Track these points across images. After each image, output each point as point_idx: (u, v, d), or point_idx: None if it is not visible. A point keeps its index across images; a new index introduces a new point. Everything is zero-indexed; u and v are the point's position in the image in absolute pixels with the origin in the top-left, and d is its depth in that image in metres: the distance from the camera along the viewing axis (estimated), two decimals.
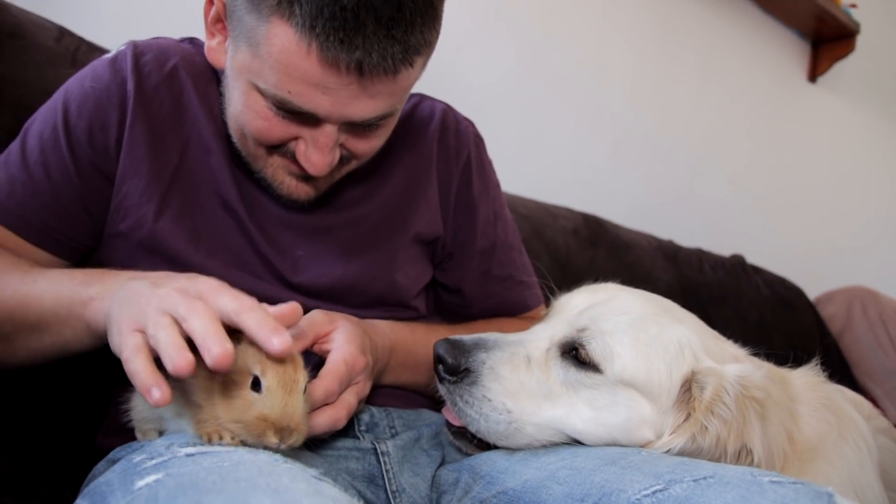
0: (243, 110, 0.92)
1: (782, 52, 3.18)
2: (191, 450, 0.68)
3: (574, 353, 0.90)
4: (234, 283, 0.94)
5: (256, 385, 0.71)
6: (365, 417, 1.00)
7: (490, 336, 0.94)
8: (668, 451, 0.83)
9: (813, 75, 3.26)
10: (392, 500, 0.90)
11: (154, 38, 1.06)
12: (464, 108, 2.18)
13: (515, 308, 1.28)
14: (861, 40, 3.17)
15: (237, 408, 0.70)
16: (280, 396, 0.71)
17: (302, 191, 0.99)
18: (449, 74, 2.17)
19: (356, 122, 0.90)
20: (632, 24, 2.63)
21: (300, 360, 0.75)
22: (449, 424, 0.95)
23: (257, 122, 0.91)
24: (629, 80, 2.63)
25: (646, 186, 2.67)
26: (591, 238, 2.14)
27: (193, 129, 1.02)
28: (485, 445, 0.92)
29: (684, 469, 0.71)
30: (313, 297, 1.04)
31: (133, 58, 1.01)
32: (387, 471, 0.92)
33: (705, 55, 2.87)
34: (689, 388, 0.87)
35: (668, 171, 2.75)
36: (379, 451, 0.94)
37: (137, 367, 0.66)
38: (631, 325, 0.89)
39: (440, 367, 0.92)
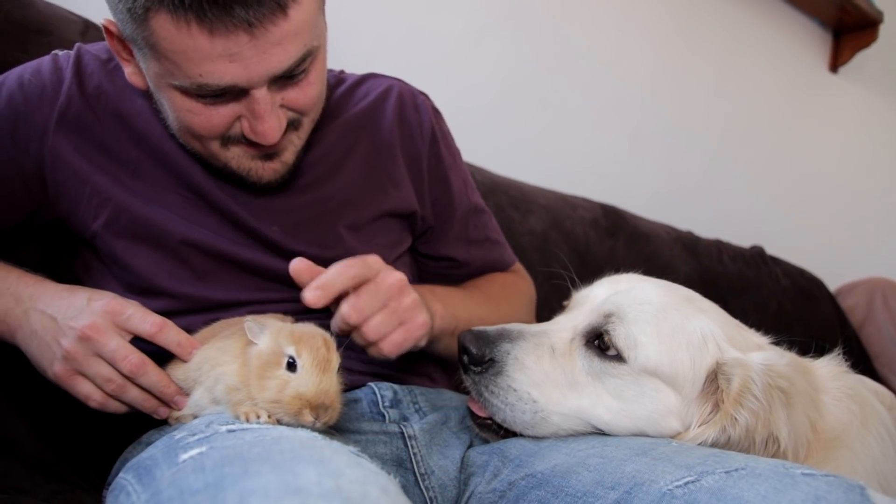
0: (178, 115, 0.93)
1: (803, 42, 3.14)
2: (231, 427, 0.71)
3: (597, 343, 0.91)
4: (234, 253, 1.02)
5: (291, 365, 0.74)
6: (388, 394, 1.02)
7: (514, 326, 0.95)
8: (700, 443, 0.84)
9: (835, 65, 3.23)
10: (421, 483, 0.92)
11: (103, 42, 1.07)
12: (481, 98, 2.22)
13: (497, 266, 1.35)
14: (884, 29, 3.13)
15: (273, 388, 0.73)
16: (315, 375, 0.73)
17: (270, 170, 1.00)
18: (467, 65, 2.19)
19: (280, 76, 0.90)
20: (650, 14, 2.61)
21: (332, 342, 0.78)
22: (473, 415, 0.96)
23: (195, 119, 0.92)
24: (647, 70, 2.62)
25: (664, 177, 2.67)
26: (610, 229, 2.14)
27: (141, 121, 1.03)
28: (510, 435, 0.94)
29: (715, 461, 0.72)
30: None
31: (75, 59, 1.03)
32: (414, 454, 0.94)
33: (724, 46, 2.85)
34: (714, 378, 0.87)
35: (686, 161, 2.74)
36: (406, 434, 0.96)
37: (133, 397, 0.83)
38: (654, 315, 0.90)
39: (465, 357, 0.93)
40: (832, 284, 2.77)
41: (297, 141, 1.02)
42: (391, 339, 0.91)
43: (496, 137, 2.22)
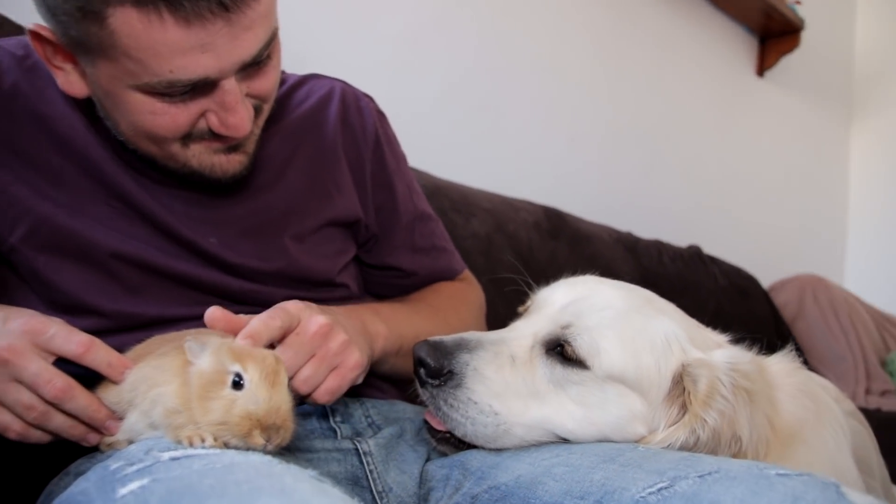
0: (138, 119, 0.86)
1: (731, 46, 3.24)
2: (175, 453, 0.64)
3: (559, 350, 0.88)
4: (168, 266, 0.95)
5: (237, 384, 0.68)
6: (339, 408, 0.97)
7: (471, 336, 0.92)
8: (667, 447, 0.82)
9: (761, 69, 3.34)
10: (379, 501, 0.87)
11: (20, 37, 0.99)
12: (421, 102, 2.19)
13: (445, 275, 1.31)
14: (805, 36, 3.26)
15: (218, 409, 0.67)
16: (264, 391, 0.68)
17: (235, 162, 0.95)
18: (406, 70, 2.15)
19: (248, 63, 0.85)
20: (588, 19, 2.64)
21: (279, 356, 0.72)
22: (430, 429, 0.92)
23: (158, 120, 0.86)
24: (585, 73, 2.65)
25: (603, 179, 2.69)
26: (552, 231, 2.14)
27: (63, 125, 0.95)
28: (469, 447, 0.90)
29: (687, 465, 0.70)
30: (243, 277, 1.01)
31: None
32: (371, 471, 0.89)
33: (659, 50, 2.91)
34: (679, 380, 0.86)
35: (623, 163, 2.77)
36: (361, 451, 0.91)
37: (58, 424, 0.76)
38: (615, 320, 0.88)
39: (421, 370, 0.89)
40: (765, 281, 2.86)
41: (256, 130, 0.97)
42: (325, 388, 0.86)
43: (436, 140, 2.19)
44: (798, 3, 3.21)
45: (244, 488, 0.54)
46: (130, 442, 0.77)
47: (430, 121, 2.20)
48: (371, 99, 1.25)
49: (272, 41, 0.88)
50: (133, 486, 0.59)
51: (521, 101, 2.45)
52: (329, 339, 0.86)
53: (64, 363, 0.78)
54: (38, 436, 0.79)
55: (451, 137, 2.26)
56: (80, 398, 0.76)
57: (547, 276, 1.07)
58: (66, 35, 0.81)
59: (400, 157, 1.27)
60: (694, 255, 2.55)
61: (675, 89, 3.00)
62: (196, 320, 0.94)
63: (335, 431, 0.94)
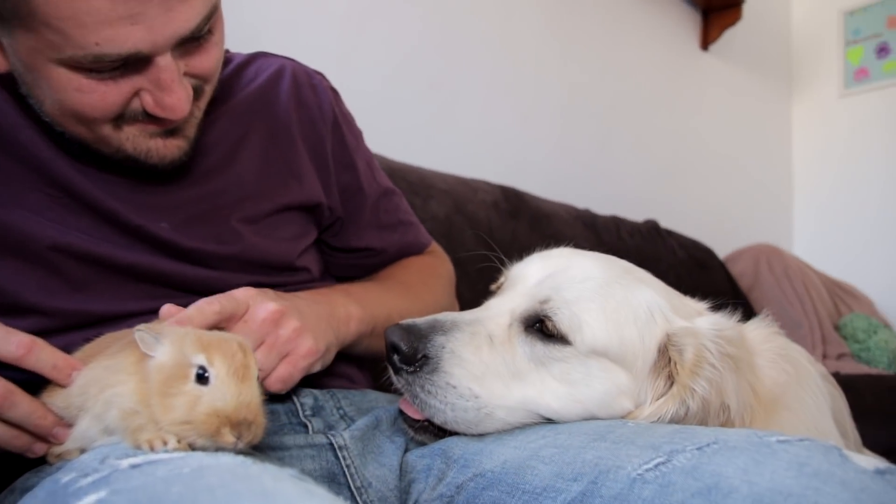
0: (63, 96, 0.78)
1: (676, 21, 3.26)
2: (134, 460, 0.57)
3: (538, 327, 0.84)
4: (115, 257, 0.88)
5: (201, 377, 0.62)
6: (308, 401, 0.91)
7: (446, 316, 0.87)
8: (657, 420, 0.79)
9: (705, 43, 3.37)
10: (358, 497, 0.82)
11: None
12: (370, 83, 2.12)
13: (413, 249, 1.27)
14: (747, 8, 3.30)
15: (181, 406, 0.61)
16: (232, 385, 0.62)
17: (173, 146, 0.88)
18: (354, 51, 2.09)
19: (185, 37, 0.78)
20: None
21: (248, 345, 0.66)
22: (407, 419, 0.87)
23: (85, 98, 0.77)
24: (536, 51, 2.62)
25: (558, 157, 2.68)
26: (511, 211, 2.12)
27: None
28: (448, 435, 0.86)
29: (682, 437, 0.67)
30: (199, 264, 0.95)
31: None
32: (347, 466, 0.83)
33: (607, 26, 2.90)
34: (664, 351, 0.83)
35: (578, 140, 2.76)
36: (336, 445, 0.85)
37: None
38: (596, 292, 0.84)
39: (395, 356, 0.84)
40: (720, 253, 2.89)
41: (197, 113, 0.89)
42: (276, 376, 0.82)
43: (388, 123, 2.13)
44: None
45: (219, 494, 0.47)
46: (83, 451, 0.70)
47: (380, 103, 2.13)
48: (323, 76, 1.18)
49: (213, 15, 0.81)
50: (89, 499, 0.52)
51: (471, 80, 2.41)
52: (279, 326, 0.82)
53: (2, 368, 0.70)
54: None
55: (403, 119, 2.21)
56: (22, 405, 0.69)
57: (509, 255, 1.04)
58: None
59: (358, 135, 1.22)
60: (651, 230, 2.56)
61: (625, 65, 3.00)
62: (150, 315, 0.87)
63: (306, 426, 0.88)
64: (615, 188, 2.84)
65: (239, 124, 1.03)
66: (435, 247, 1.34)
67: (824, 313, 2.77)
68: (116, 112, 0.80)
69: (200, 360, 0.62)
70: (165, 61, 0.77)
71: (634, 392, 0.83)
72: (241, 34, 1.78)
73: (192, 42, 0.80)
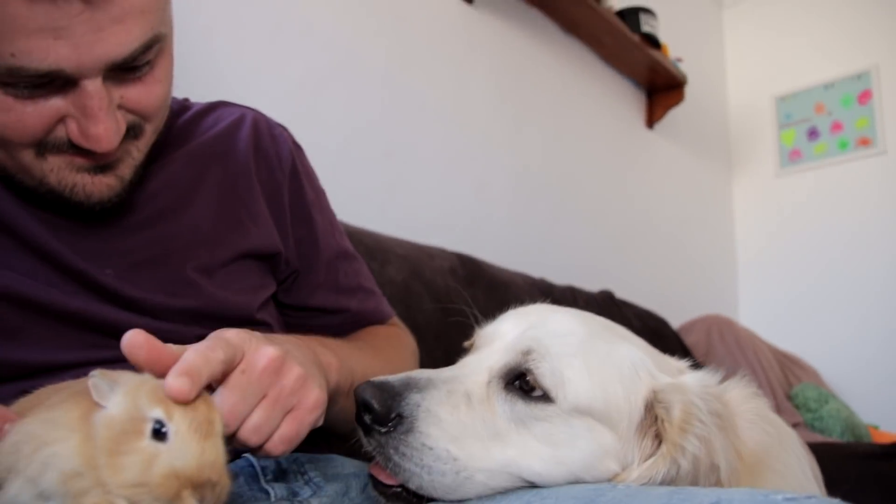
0: None
1: (623, 100, 3.38)
2: None
3: (519, 385, 0.79)
4: (55, 302, 0.80)
5: (158, 433, 0.54)
6: (269, 465, 0.83)
7: (420, 374, 0.81)
8: (647, 482, 0.74)
9: (650, 122, 3.49)
10: None
11: None
12: (326, 150, 2.10)
13: (375, 318, 1.20)
14: (689, 90, 3.46)
15: (134, 466, 0.53)
16: (194, 443, 0.54)
17: (103, 185, 0.80)
18: (311, 114, 2.08)
19: (119, 64, 0.73)
20: (489, 72, 2.67)
21: (209, 397, 0.59)
22: (378, 485, 0.80)
23: (2, 118, 0.71)
24: (489, 124, 2.66)
25: (512, 226, 2.68)
26: (468, 277, 2.08)
27: None
28: (424, 502, 0.79)
29: (681, 499, 0.62)
30: (147, 314, 0.86)
31: None
32: None
33: (557, 102, 2.98)
34: (651, 409, 0.79)
35: (531, 211, 2.78)
36: None
37: None
38: (579, 347, 0.80)
39: (366, 416, 0.77)
40: (671, 323, 2.91)
41: (136, 154, 0.83)
42: (280, 436, 0.70)
43: (343, 188, 2.10)
44: (680, 60, 3.41)
45: None
46: None
47: (334, 168, 2.11)
48: (285, 129, 1.15)
49: (154, 46, 0.76)
50: None
51: (426, 149, 2.42)
52: (282, 376, 0.70)
53: None
54: None
55: (358, 185, 2.19)
56: None
57: (468, 322, 1.00)
58: None
59: (319, 192, 1.18)
60: (607, 299, 2.56)
61: (575, 141, 3.07)
62: (89, 366, 0.78)
63: (268, 493, 0.79)
64: (569, 258, 2.85)
65: (194, 168, 0.98)
66: (396, 320, 1.28)
67: (776, 383, 2.80)
68: (37, 137, 0.73)
69: (157, 413, 0.55)
70: (94, 86, 0.71)
71: (621, 453, 0.79)
72: (197, 92, 1.75)
73: (129, 72, 0.75)
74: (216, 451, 0.55)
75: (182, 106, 1.05)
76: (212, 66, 1.84)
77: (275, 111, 1.91)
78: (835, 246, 3.68)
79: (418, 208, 2.37)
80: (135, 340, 0.62)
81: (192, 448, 0.54)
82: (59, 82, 0.70)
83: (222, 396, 0.65)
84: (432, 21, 2.48)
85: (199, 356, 0.61)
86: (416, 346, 1.28)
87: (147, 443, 0.54)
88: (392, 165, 2.31)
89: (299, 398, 0.72)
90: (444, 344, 1.82)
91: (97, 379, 0.56)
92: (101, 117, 0.73)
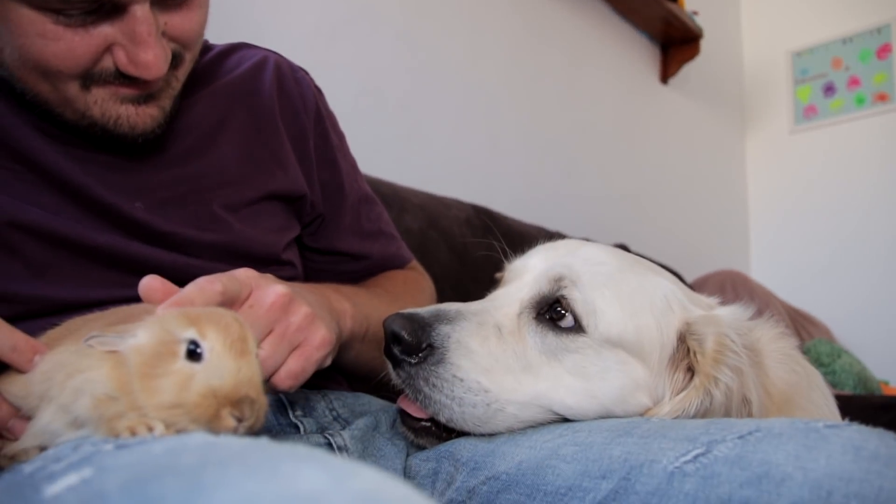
0: (24, 42, 0.70)
1: (637, 54, 3.32)
2: (121, 442, 0.48)
3: (549, 316, 0.78)
4: (83, 238, 0.79)
5: (193, 353, 0.53)
6: (299, 401, 0.82)
7: (450, 306, 0.80)
8: (680, 415, 0.73)
9: (664, 77, 3.43)
10: None
11: None
12: (341, 100, 2.06)
13: (396, 262, 1.20)
14: (705, 44, 3.38)
15: (170, 387, 0.52)
16: (231, 361, 0.53)
17: (146, 115, 0.79)
18: (322, 65, 2.04)
19: None
20: (503, 24, 2.62)
21: (241, 317, 0.57)
22: (407, 420, 0.79)
23: (50, 47, 0.70)
24: (502, 77, 2.62)
25: (527, 180, 2.66)
26: (483, 228, 2.07)
27: None
28: (452, 438, 0.78)
29: (719, 428, 0.62)
30: (176, 250, 0.85)
31: None
32: None
33: (571, 56, 2.92)
34: (683, 341, 0.78)
35: (546, 165, 2.75)
36: (335, 445, 0.76)
37: None
38: (610, 277, 0.79)
39: (396, 348, 0.76)
40: (686, 277, 2.90)
41: (175, 84, 0.82)
42: (287, 371, 0.70)
43: (358, 139, 2.06)
44: (696, 13, 3.33)
45: (252, 459, 0.38)
46: (43, 449, 0.60)
47: (349, 119, 2.06)
48: (307, 72, 1.13)
49: None
50: (67, 481, 0.42)
51: (441, 102, 2.39)
52: (289, 313, 0.71)
53: None
54: None
55: (373, 137, 2.16)
56: None
57: (485, 271, 0.98)
58: None
59: (341, 135, 1.17)
60: None
61: (588, 96, 3.02)
62: (116, 304, 0.78)
63: (298, 427, 0.79)
64: (583, 212, 2.83)
65: (220, 108, 0.96)
66: (416, 264, 1.28)
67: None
68: (85, 67, 0.72)
69: (191, 334, 0.54)
70: (143, 12, 0.70)
71: (652, 387, 0.78)
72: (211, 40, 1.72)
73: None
74: (252, 369, 0.54)
75: (204, 46, 1.03)
76: (223, 13, 1.80)
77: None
78: (849, 203, 3.65)
79: (433, 160, 2.34)
80: (151, 284, 0.63)
81: (229, 366, 0.53)
82: (108, 8, 0.68)
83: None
84: None
85: (195, 287, 0.62)
86: (434, 290, 1.27)
87: (182, 363, 0.53)
88: (407, 117, 2.28)
89: (306, 335, 0.72)
90: (460, 293, 1.82)
91: (98, 338, 0.55)
92: (151, 43, 0.71)
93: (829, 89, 3.94)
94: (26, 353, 0.60)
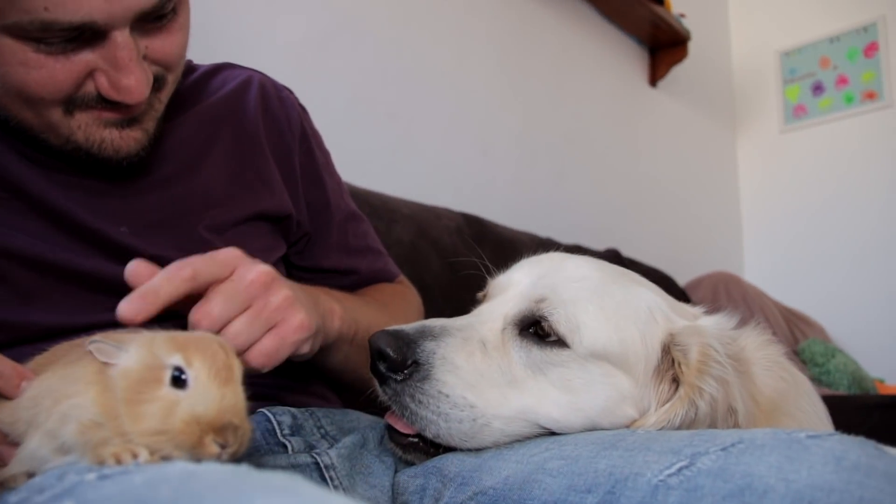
0: (7, 70, 0.71)
1: (625, 58, 3.33)
2: (104, 472, 0.48)
3: (534, 330, 0.79)
4: (69, 263, 0.80)
5: (178, 380, 0.53)
6: (286, 420, 0.83)
7: (434, 322, 0.81)
8: (665, 426, 0.74)
9: (653, 80, 3.44)
10: None
11: None
12: (330, 111, 2.08)
13: (383, 276, 1.21)
14: (692, 46, 3.40)
15: (154, 414, 0.52)
16: (215, 389, 0.53)
17: (130, 139, 0.80)
18: (313, 75, 2.05)
19: (147, 12, 0.72)
20: (490, 30, 2.63)
21: (227, 343, 0.58)
22: (395, 436, 0.80)
23: (32, 75, 0.71)
24: (491, 83, 2.63)
25: (518, 186, 2.67)
26: (474, 237, 2.08)
27: None
28: (440, 453, 0.79)
29: (702, 440, 0.62)
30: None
31: None
32: (335, 487, 0.75)
33: (559, 61, 2.94)
34: (667, 353, 0.78)
35: (536, 171, 2.76)
36: (322, 464, 0.77)
37: None
38: (594, 291, 0.79)
39: (381, 364, 0.77)
40: (679, 281, 2.91)
41: (158, 106, 0.83)
42: (260, 348, 0.70)
43: (348, 149, 2.07)
44: (683, 16, 3.35)
45: (224, 492, 0.38)
46: (31, 475, 0.60)
47: (338, 129, 2.08)
48: (291, 92, 1.14)
49: None
50: None
51: (430, 109, 2.40)
52: (270, 292, 0.70)
53: None
54: None
55: (363, 146, 2.17)
56: None
57: (476, 280, 0.99)
58: None
59: (327, 154, 1.18)
60: (613, 258, 2.55)
61: (578, 100, 3.03)
62: (104, 328, 0.78)
63: (285, 446, 0.79)
64: (574, 218, 2.84)
65: (204, 130, 0.97)
66: (403, 279, 1.29)
67: (783, 339, 2.80)
68: (67, 93, 0.73)
69: (176, 360, 0.54)
70: (123, 37, 0.71)
71: (638, 398, 0.78)
72: (196, 52, 1.72)
73: (154, 22, 0.75)
74: (236, 396, 0.55)
75: (188, 66, 1.04)
76: (211, 25, 1.80)
77: (276, 71, 1.90)
78: (840, 201, 3.66)
79: (423, 169, 2.35)
80: (137, 269, 0.64)
81: (213, 393, 0.53)
82: (88, 35, 0.69)
83: (204, 301, 0.66)
84: None
85: (162, 277, 0.63)
86: (422, 303, 1.28)
87: (166, 390, 0.54)
88: (396, 127, 2.29)
89: (284, 316, 0.72)
90: (452, 303, 1.82)
91: (98, 343, 0.56)
92: (132, 68, 0.72)
93: (818, 88, 3.96)
94: (13, 380, 0.61)
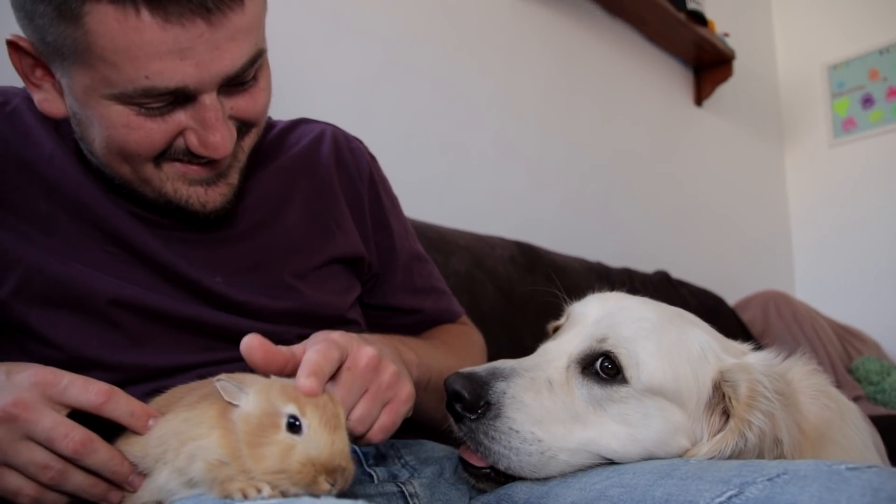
0: (111, 133, 0.81)
1: (670, 79, 3.38)
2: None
3: (594, 370, 0.87)
4: (173, 310, 0.90)
5: (293, 426, 0.63)
6: (370, 451, 0.93)
7: (504, 364, 0.90)
8: (716, 455, 0.81)
9: (699, 99, 3.48)
10: None
11: None
12: (385, 145, 2.16)
13: (447, 316, 1.28)
14: (737, 65, 3.43)
15: (274, 455, 0.62)
16: (326, 435, 0.63)
17: (217, 195, 0.90)
18: (368, 113, 2.16)
19: (231, 78, 0.82)
20: (538, 59, 2.71)
21: (334, 394, 0.68)
22: (469, 467, 0.89)
23: (131, 135, 0.81)
24: (538, 109, 2.70)
25: (566, 211, 2.73)
26: (527, 265, 2.15)
27: (52, 168, 0.91)
28: (509, 482, 0.87)
29: (751, 470, 0.69)
30: (252, 317, 0.96)
31: None
32: None
33: (605, 84, 3.00)
34: (717, 388, 0.86)
35: (584, 195, 2.82)
36: (406, 493, 0.86)
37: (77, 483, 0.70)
38: (651, 331, 0.87)
39: (457, 405, 0.86)
40: (728, 301, 2.93)
41: (241, 156, 0.93)
42: (379, 426, 0.79)
43: (403, 182, 2.16)
44: (727, 35, 3.38)
45: None
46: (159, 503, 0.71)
47: (394, 163, 2.16)
48: (361, 142, 1.24)
49: (258, 60, 0.85)
50: None
51: (480, 139, 2.48)
52: (380, 373, 0.80)
53: (76, 417, 0.72)
54: (52, 498, 0.71)
55: (417, 179, 2.26)
56: (101, 451, 0.70)
57: (530, 308, 1.07)
58: (43, 42, 0.78)
59: (394, 199, 1.27)
60: (663, 280, 2.60)
61: (624, 123, 3.09)
62: (205, 367, 0.90)
63: (371, 476, 0.89)
64: (623, 240, 2.89)
65: (284, 182, 1.07)
66: (466, 319, 1.37)
67: (836, 357, 2.80)
68: (160, 149, 0.83)
69: (291, 409, 0.64)
70: (210, 100, 0.81)
71: (690, 430, 0.86)
72: None
73: (237, 86, 0.85)
74: (344, 442, 0.65)
75: (268, 124, 1.15)
76: (272, 71, 1.93)
77: (333, 113, 2.01)
78: (893, 214, 3.62)
79: (475, 198, 2.43)
80: (251, 343, 0.72)
81: (324, 439, 0.63)
82: (181, 98, 0.80)
83: (337, 389, 0.75)
84: (482, 13, 2.53)
85: (320, 357, 0.72)
86: (484, 342, 1.36)
87: (284, 435, 0.64)
88: (449, 158, 2.38)
89: (395, 392, 0.81)
90: (508, 332, 1.90)
91: (224, 382, 0.66)
92: (218, 126, 0.82)
93: (868, 101, 3.92)
94: (142, 419, 0.71)
